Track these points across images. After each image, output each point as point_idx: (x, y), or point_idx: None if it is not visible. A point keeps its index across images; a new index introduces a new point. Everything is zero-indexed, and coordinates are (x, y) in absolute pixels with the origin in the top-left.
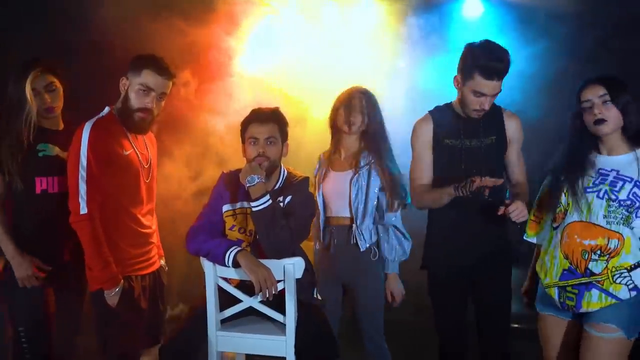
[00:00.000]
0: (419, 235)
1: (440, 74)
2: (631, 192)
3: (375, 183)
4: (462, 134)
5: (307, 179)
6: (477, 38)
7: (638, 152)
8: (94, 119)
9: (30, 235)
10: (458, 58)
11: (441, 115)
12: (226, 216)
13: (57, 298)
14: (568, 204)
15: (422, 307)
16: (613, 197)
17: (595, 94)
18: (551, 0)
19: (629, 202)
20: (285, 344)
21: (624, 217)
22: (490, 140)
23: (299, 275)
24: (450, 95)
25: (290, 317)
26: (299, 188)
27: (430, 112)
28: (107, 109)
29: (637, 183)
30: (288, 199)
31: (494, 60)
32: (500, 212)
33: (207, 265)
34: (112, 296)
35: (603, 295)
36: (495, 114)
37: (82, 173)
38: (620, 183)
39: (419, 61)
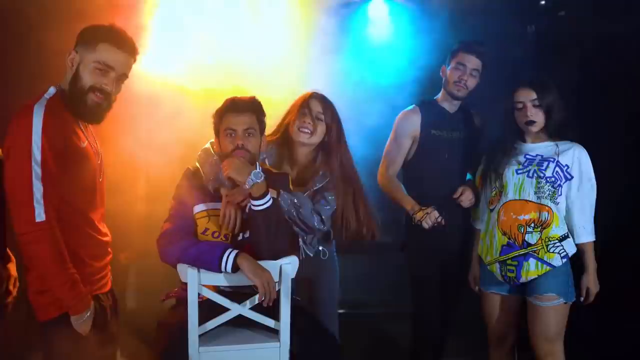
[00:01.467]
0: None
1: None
2: (554, 170)
3: (330, 208)
4: (446, 126)
5: (287, 174)
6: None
7: (557, 143)
8: (42, 101)
9: None
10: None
11: (428, 109)
12: (198, 218)
13: None
14: (502, 187)
15: None
16: (541, 174)
17: (527, 97)
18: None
19: (553, 179)
20: (279, 351)
21: (550, 192)
22: (465, 133)
23: (293, 275)
24: (351, 96)
25: (285, 321)
26: (282, 184)
27: (417, 105)
28: (52, 89)
29: (559, 163)
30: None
31: (474, 41)
32: (455, 195)
33: (189, 273)
34: (83, 322)
35: (539, 263)
36: (467, 113)
37: (37, 170)
38: (545, 163)
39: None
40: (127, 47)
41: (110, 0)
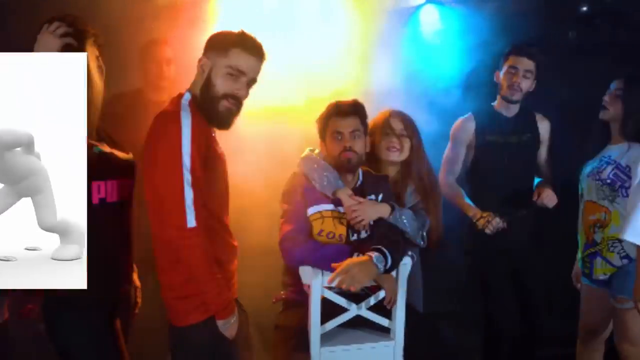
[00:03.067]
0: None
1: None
2: (612, 173)
3: (427, 224)
4: (503, 131)
5: (387, 176)
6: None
7: (631, 144)
8: (185, 107)
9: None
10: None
11: (483, 115)
12: (313, 220)
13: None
14: (582, 188)
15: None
16: (600, 177)
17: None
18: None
19: (609, 181)
20: (393, 349)
21: (608, 194)
22: (526, 137)
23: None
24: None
25: (400, 321)
26: (383, 184)
27: (472, 112)
28: (188, 95)
29: (619, 166)
30: (380, 196)
31: (525, 44)
32: (534, 198)
33: (314, 275)
34: (230, 326)
35: (603, 262)
36: (529, 116)
37: (187, 176)
38: (605, 165)
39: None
40: (258, 52)
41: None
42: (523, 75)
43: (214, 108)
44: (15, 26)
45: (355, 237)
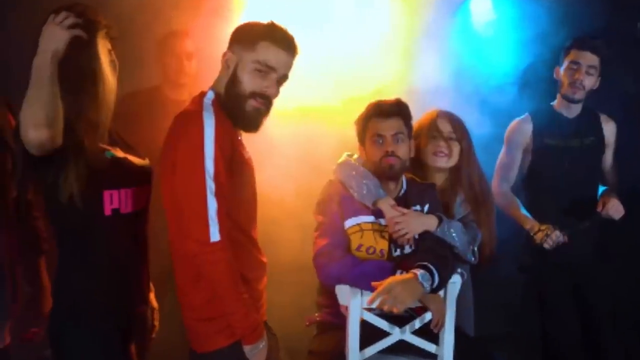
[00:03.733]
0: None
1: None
2: None
3: (479, 238)
4: (563, 134)
5: (434, 184)
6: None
7: None
8: (207, 107)
9: (96, 279)
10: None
11: (542, 116)
12: (351, 233)
13: None
14: None
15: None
16: None
17: None
18: None
19: None
20: None
21: None
22: (590, 141)
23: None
24: (458, 94)
25: (449, 346)
26: (430, 194)
27: (530, 112)
28: (211, 93)
29: None
30: (426, 207)
31: (588, 37)
32: (599, 209)
33: (352, 295)
34: (258, 352)
35: None
36: (593, 117)
37: (210, 183)
38: None
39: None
40: (289, 45)
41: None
42: (586, 72)
43: (241, 108)
44: (18, 18)
45: (398, 252)
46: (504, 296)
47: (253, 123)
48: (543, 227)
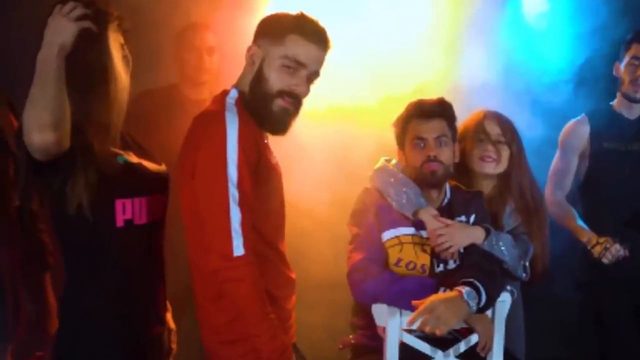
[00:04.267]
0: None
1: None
2: None
3: (531, 252)
4: (624, 137)
5: (481, 193)
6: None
7: None
8: (230, 107)
9: (107, 298)
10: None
11: (600, 117)
12: (389, 247)
13: None
14: None
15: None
16: None
17: None
18: None
19: None
20: None
21: None
22: None
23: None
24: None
25: None
26: (477, 203)
27: (587, 113)
28: (234, 92)
29: None
30: (472, 218)
31: None
32: None
33: (390, 315)
34: None
35: None
36: None
37: (234, 191)
38: None
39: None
40: (320, 39)
41: None
42: None
43: (267, 108)
44: (20, 8)
45: (441, 267)
46: (559, 316)
47: (281, 125)
48: (601, 240)
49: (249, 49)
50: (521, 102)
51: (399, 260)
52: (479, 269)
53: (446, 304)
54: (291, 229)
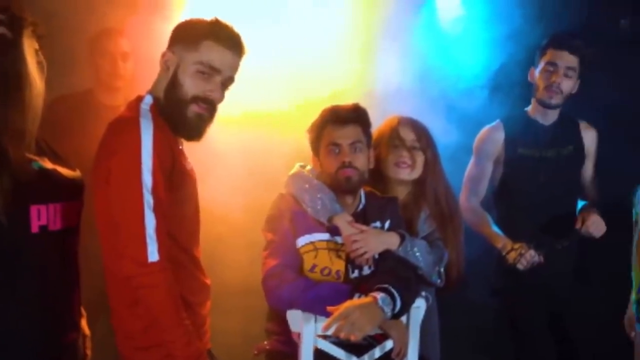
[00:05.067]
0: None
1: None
2: None
3: (446, 258)
4: (539, 143)
5: (396, 198)
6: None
7: None
8: (145, 113)
9: (21, 304)
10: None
11: (515, 123)
12: (304, 252)
13: None
14: (637, 213)
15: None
16: None
17: None
18: None
19: None
20: None
21: None
22: (568, 151)
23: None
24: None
25: None
26: (392, 209)
27: (501, 119)
28: (149, 98)
29: None
30: (387, 223)
31: (566, 35)
32: (578, 226)
33: (305, 321)
34: None
35: None
36: (571, 124)
37: (148, 197)
38: None
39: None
40: (235, 45)
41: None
42: (564, 74)
43: (182, 114)
44: None
45: (356, 273)
46: (474, 322)
47: (195, 130)
48: (516, 246)
49: (164, 54)
50: (436, 108)
51: (314, 266)
52: (394, 275)
53: (361, 310)
54: (206, 234)
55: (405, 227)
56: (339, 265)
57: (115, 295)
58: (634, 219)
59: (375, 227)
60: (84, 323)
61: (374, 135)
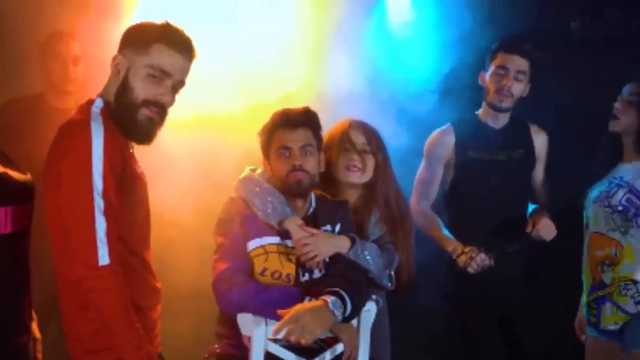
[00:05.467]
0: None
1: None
2: (624, 198)
3: (396, 261)
4: (489, 147)
5: (346, 202)
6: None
7: None
8: (95, 116)
9: None
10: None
11: (465, 126)
12: (255, 256)
13: None
14: (587, 216)
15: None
16: (608, 203)
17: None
18: None
19: (621, 209)
20: None
21: (621, 224)
22: (519, 154)
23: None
24: (373, 102)
25: None
26: (342, 212)
27: (452, 123)
28: (100, 101)
29: (633, 189)
30: (338, 227)
31: (516, 38)
32: (528, 229)
33: (255, 325)
34: None
35: (613, 307)
36: (522, 127)
37: (99, 201)
38: (614, 189)
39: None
40: (186, 48)
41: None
42: (514, 77)
43: (132, 117)
44: None
45: (307, 277)
46: (424, 326)
47: (146, 134)
48: (467, 250)
49: (114, 58)
50: (386, 111)
51: (265, 269)
52: (345, 278)
53: (311, 313)
54: (157, 238)
55: (355, 230)
56: (290, 268)
57: (66, 299)
58: (584, 222)
59: (326, 231)
60: (34, 326)
61: (325, 138)
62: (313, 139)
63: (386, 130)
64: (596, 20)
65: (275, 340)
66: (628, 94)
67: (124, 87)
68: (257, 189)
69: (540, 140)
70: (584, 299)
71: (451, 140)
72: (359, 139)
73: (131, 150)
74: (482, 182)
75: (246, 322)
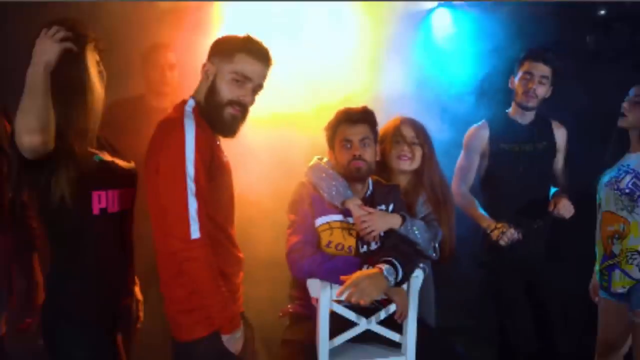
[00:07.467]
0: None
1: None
2: (631, 182)
3: (440, 235)
4: (518, 139)
5: (398, 186)
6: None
7: None
8: (188, 114)
9: (85, 274)
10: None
11: (498, 122)
12: (321, 231)
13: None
14: (600, 198)
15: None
16: (617, 186)
17: None
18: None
19: (627, 191)
20: None
21: (627, 204)
22: (542, 146)
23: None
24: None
25: (411, 335)
26: (395, 194)
27: (486, 119)
28: (192, 101)
29: (638, 175)
30: (391, 207)
31: (540, 49)
32: (550, 209)
33: (322, 288)
34: (235, 341)
35: (622, 274)
36: (545, 123)
37: (191, 185)
38: (622, 175)
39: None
40: (264, 57)
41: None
42: (539, 81)
43: (219, 115)
44: (14, 31)
45: (365, 248)
46: (463, 290)
47: (230, 129)
48: (499, 225)
49: (204, 65)
50: (432, 110)
51: (330, 242)
52: (397, 250)
53: (369, 279)
54: (239, 216)
55: (406, 209)
56: (351, 241)
57: (164, 267)
58: (597, 203)
59: (381, 210)
60: (137, 290)
61: (380, 132)
62: (370, 133)
63: (431, 126)
64: (607, 34)
65: (338, 302)
66: (634, 95)
67: (212, 90)
68: (324, 174)
69: (560, 134)
70: (597, 267)
71: (486, 134)
72: (409, 133)
73: (218, 143)
74: (512, 169)
75: (314, 286)
